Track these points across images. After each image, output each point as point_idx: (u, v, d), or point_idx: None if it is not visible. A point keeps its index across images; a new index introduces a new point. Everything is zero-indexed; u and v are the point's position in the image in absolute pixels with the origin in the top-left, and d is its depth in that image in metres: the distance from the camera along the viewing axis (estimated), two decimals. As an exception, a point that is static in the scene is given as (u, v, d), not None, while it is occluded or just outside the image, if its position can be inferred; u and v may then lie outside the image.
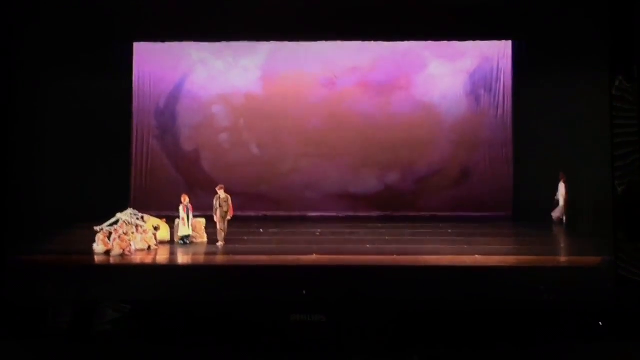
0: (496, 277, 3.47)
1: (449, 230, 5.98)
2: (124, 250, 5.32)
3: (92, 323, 2.98)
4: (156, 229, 5.88)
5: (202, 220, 6.31)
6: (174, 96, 7.80)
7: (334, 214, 7.86)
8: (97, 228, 5.43)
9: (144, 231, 5.81)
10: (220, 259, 5.29)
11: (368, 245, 5.12)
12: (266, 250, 5.00)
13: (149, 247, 5.60)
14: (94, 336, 2.99)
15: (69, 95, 5.20)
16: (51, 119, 5.02)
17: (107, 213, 5.48)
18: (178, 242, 5.88)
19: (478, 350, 2.96)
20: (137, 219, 6.02)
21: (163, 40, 6.94)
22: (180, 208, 5.85)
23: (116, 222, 5.50)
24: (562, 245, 5.56)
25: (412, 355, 2.86)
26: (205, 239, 6.18)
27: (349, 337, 2.79)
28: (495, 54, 7.86)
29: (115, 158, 6.50)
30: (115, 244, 5.32)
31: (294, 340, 2.81)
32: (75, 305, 3.01)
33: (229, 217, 6.04)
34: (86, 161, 5.62)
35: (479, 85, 7.81)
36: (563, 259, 4.94)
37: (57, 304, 3.03)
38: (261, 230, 6.36)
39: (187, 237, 5.91)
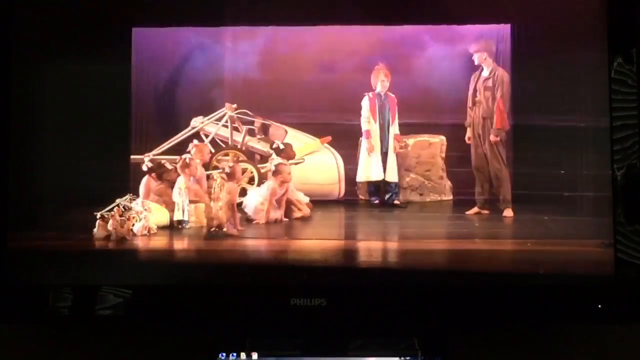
0: (495, 260, 3.50)
1: (448, 215, 6.05)
2: (123, 235, 5.53)
3: (93, 307, 3.04)
4: (146, 210, 6.08)
5: (202, 205, 6.30)
6: (173, 81, 7.73)
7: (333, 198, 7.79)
8: (97, 214, 5.83)
9: (145, 217, 5.85)
10: (218, 243, 5.32)
11: (368, 230, 5.19)
12: (265, 234, 5.06)
13: (149, 232, 5.83)
14: (95, 319, 3.06)
15: (67, 80, 5.20)
16: (49, 104, 5.03)
17: (106, 198, 5.49)
18: (177, 227, 5.97)
19: (478, 332, 3.05)
20: (136, 204, 6.16)
21: (162, 25, 6.92)
22: (176, 192, 6.10)
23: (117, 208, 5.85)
24: (561, 228, 5.61)
25: (412, 338, 2.87)
26: (204, 224, 6.18)
27: (350, 321, 2.89)
28: (494, 38, 7.79)
29: (114, 143, 6.49)
30: (114, 229, 5.51)
31: (294, 324, 2.90)
32: (75, 290, 3.06)
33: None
34: (85, 147, 5.65)
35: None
36: (561, 241, 5.24)
37: (58, 288, 3.07)
38: (261, 214, 6.40)
39: (183, 221, 5.93)
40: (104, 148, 5.48)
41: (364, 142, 4.84)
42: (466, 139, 4.76)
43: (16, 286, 3.12)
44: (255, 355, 2.96)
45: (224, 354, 2.97)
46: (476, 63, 4.62)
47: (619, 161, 3.03)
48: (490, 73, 4.64)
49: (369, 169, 4.81)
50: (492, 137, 4.56)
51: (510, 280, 3.21)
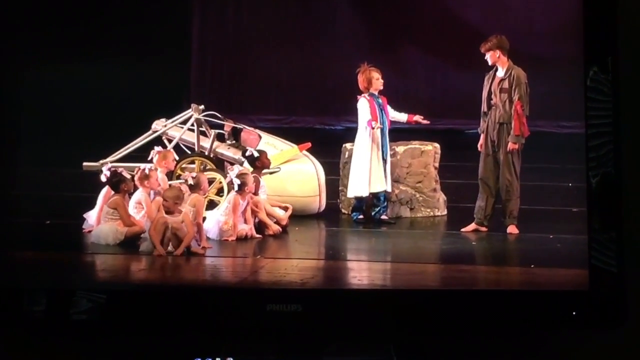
0: (470, 269, 4.29)
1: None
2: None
3: (69, 312, 3.60)
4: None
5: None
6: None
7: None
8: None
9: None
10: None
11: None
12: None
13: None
14: (70, 324, 3.64)
15: (57, 86, 5.49)
16: (38, 110, 5.23)
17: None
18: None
19: (452, 338, 3.70)
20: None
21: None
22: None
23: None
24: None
25: (388, 343, 3.49)
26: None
27: (325, 326, 3.48)
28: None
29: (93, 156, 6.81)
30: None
31: (270, 329, 3.48)
32: (51, 294, 3.62)
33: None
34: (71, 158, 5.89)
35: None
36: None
37: (33, 292, 3.64)
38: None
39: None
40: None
41: (367, 149, 5.30)
42: (478, 146, 5.29)
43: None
44: (230, 360, 3.43)
45: (200, 359, 3.54)
46: (490, 63, 5.15)
47: (594, 169, 3.62)
48: (506, 73, 5.17)
49: (375, 179, 5.28)
50: (509, 145, 5.09)
51: (484, 289, 4.02)
